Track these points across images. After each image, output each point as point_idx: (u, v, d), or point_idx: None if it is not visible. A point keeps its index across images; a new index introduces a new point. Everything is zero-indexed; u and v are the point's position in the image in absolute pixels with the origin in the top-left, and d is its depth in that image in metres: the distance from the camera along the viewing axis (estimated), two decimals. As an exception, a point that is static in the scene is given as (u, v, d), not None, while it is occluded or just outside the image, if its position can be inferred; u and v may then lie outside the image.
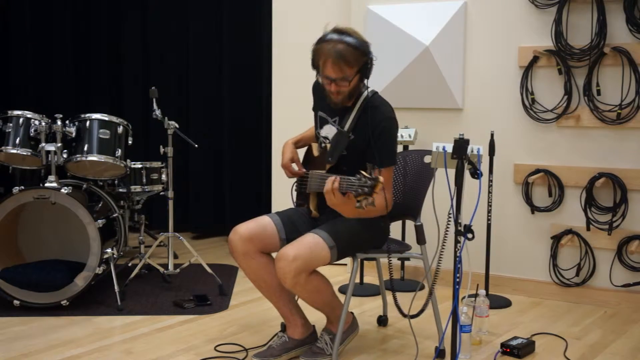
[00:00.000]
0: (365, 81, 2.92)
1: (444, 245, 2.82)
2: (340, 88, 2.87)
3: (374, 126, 2.90)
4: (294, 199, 3.23)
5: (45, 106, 4.84)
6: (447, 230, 2.77)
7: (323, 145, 3.08)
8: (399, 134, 4.09)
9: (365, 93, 2.96)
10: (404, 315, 3.09)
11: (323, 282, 2.95)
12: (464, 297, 3.79)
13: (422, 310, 3.08)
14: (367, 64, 2.86)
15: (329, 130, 3.04)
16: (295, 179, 3.20)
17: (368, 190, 2.52)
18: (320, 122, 3.10)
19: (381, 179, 2.53)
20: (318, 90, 3.11)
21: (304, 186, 3.13)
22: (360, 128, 2.94)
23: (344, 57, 2.78)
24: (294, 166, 3.11)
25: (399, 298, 3.07)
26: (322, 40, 2.85)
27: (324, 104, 3.05)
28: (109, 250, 3.87)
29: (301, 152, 3.24)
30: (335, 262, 2.95)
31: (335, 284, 3.08)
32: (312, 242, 2.82)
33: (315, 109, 3.16)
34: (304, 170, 3.13)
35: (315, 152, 3.17)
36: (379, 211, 2.88)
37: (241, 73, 5.58)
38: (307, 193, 3.10)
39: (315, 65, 2.90)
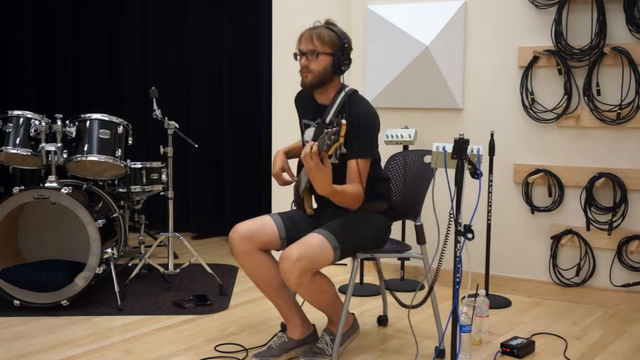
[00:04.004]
0: (342, 77, 2.99)
1: (444, 248, 2.82)
2: (309, 63, 2.93)
3: (352, 117, 2.92)
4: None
5: (45, 106, 4.83)
6: (447, 232, 2.77)
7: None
8: (399, 134, 4.11)
9: (345, 90, 3.02)
10: (404, 306, 3.08)
11: (326, 283, 2.96)
12: (464, 297, 3.79)
13: (422, 302, 3.05)
14: (341, 52, 2.94)
15: (311, 132, 3.06)
16: (292, 189, 3.23)
17: (335, 137, 2.61)
18: (304, 130, 3.14)
19: (344, 122, 2.61)
20: (299, 100, 3.20)
21: (298, 193, 3.15)
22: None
23: (318, 33, 2.93)
24: (285, 175, 3.13)
25: (398, 298, 3.08)
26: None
27: (307, 112, 3.12)
28: (109, 250, 3.87)
29: (294, 165, 3.26)
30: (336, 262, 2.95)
31: (336, 284, 3.08)
32: (316, 242, 2.82)
33: (300, 119, 3.20)
34: (296, 178, 3.15)
35: None
36: (352, 199, 2.89)
37: (241, 73, 5.59)
38: (302, 197, 3.11)
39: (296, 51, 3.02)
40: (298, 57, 2.99)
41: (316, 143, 2.69)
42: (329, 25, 2.99)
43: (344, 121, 2.61)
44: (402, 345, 3.28)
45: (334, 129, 2.61)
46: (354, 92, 3.03)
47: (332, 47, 2.92)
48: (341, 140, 2.62)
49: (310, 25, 3.00)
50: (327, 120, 2.98)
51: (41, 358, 3.10)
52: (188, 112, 5.78)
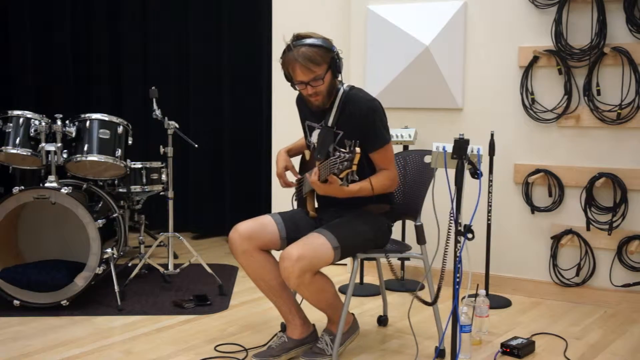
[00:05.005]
0: (340, 77, 2.95)
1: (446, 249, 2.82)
2: (316, 89, 2.90)
3: (357, 113, 2.93)
4: (294, 208, 3.24)
5: (45, 106, 4.83)
6: (449, 233, 2.77)
7: (313, 148, 3.10)
8: (399, 134, 4.11)
9: (342, 89, 2.99)
10: (427, 304, 3.05)
11: (326, 283, 2.96)
12: (464, 297, 3.79)
13: (436, 297, 3.01)
14: (334, 60, 2.89)
15: (316, 135, 3.06)
16: (293, 189, 3.23)
17: (348, 164, 2.57)
18: (309, 132, 3.14)
19: (358, 150, 2.56)
20: (301, 101, 3.17)
21: (301, 191, 3.15)
22: (344, 121, 2.96)
23: (309, 57, 2.83)
24: (289, 174, 3.12)
25: (397, 298, 3.06)
26: (285, 52, 2.90)
27: (309, 114, 3.10)
28: (109, 250, 3.87)
29: (296, 162, 3.25)
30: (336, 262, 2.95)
31: (335, 284, 3.07)
32: (316, 242, 2.82)
33: (302, 120, 3.19)
34: (299, 176, 3.15)
35: (308, 158, 3.20)
36: (381, 187, 2.94)
37: (241, 73, 5.58)
38: (304, 197, 3.12)
39: (288, 77, 2.95)
40: (297, 88, 2.94)
41: (316, 168, 2.67)
42: (305, 41, 2.86)
43: (358, 149, 2.57)
44: (402, 345, 3.28)
45: (348, 155, 2.57)
46: (351, 89, 3.03)
47: (327, 61, 2.87)
48: (354, 167, 2.59)
49: (297, 35, 2.90)
50: (330, 123, 2.98)
51: (41, 358, 3.10)
52: (188, 112, 5.78)
